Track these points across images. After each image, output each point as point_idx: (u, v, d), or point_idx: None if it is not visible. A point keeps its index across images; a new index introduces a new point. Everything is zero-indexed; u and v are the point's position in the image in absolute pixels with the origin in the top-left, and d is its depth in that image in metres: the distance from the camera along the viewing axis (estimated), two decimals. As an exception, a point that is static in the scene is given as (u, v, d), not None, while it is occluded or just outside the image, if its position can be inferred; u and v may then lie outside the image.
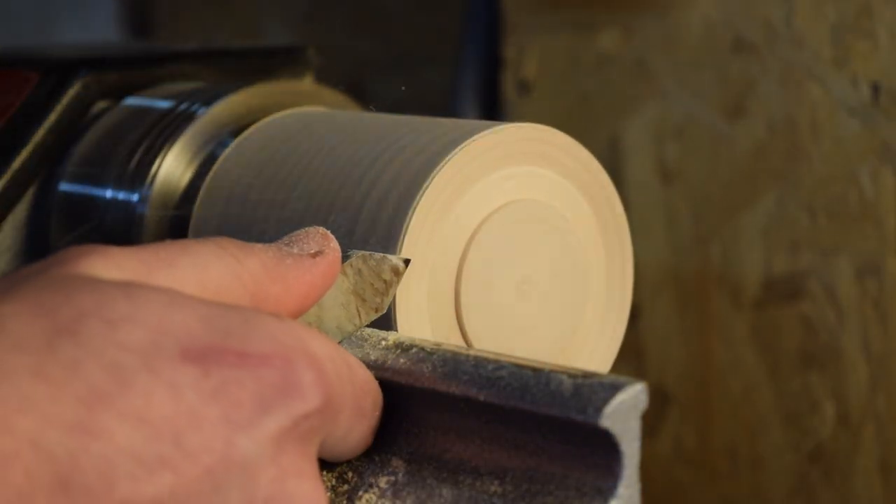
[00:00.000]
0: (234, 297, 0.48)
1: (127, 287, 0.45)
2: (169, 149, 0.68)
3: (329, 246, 0.52)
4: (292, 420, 0.45)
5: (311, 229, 0.52)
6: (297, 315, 0.51)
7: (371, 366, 0.52)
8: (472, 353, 0.51)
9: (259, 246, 0.50)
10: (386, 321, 0.55)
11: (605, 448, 0.46)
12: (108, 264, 0.46)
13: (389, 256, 0.54)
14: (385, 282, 0.54)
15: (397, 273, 0.54)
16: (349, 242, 0.57)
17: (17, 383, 0.42)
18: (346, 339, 0.54)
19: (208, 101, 0.69)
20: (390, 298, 0.54)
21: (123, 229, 0.67)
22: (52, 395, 0.42)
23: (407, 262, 0.55)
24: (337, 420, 0.48)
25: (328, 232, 0.52)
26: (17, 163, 0.70)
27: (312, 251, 0.51)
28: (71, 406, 0.42)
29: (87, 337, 0.43)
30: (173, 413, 0.43)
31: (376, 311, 0.54)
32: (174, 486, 0.42)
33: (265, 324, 0.46)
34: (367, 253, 0.54)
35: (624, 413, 0.46)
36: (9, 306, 0.43)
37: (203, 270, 0.48)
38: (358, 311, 0.54)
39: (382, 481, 0.51)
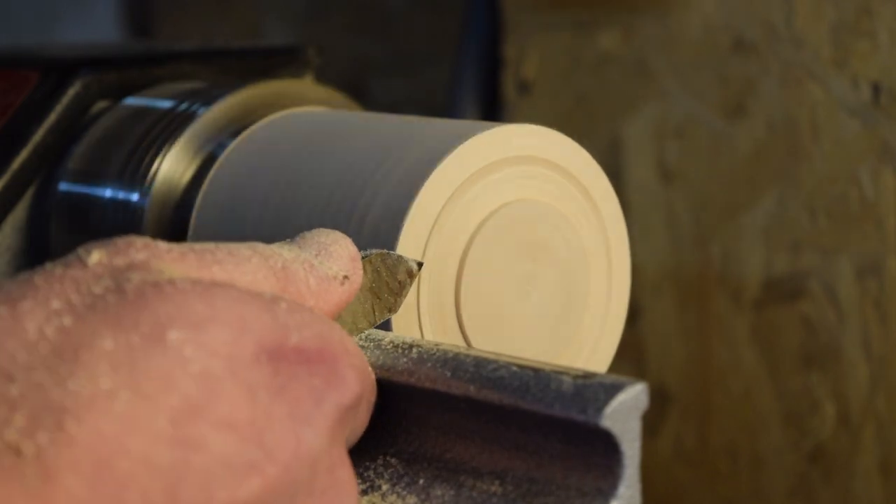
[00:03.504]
0: None
1: (198, 285, 0.45)
2: (169, 148, 0.68)
3: (356, 271, 0.52)
4: (341, 411, 0.46)
5: (342, 243, 0.52)
6: None
7: (371, 366, 0.52)
8: (472, 353, 0.51)
9: (298, 270, 0.50)
10: (386, 321, 0.55)
11: (606, 448, 0.46)
12: (171, 265, 0.47)
13: (405, 258, 0.55)
14: (399, 282, 0.54)
15: (411, 275, 0.55)
16: (350, 242, 0.57)
17: (121, 403, 0.42)
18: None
19: (208, 101, 0.69)
20: (403, 299, 0.55)
21: (123, 229, 0.67)
22: (152, 411, 0.42)
23: (420, 264, 0.55)
24: (360, 413, 0.49)
25: (357, 253, 0.53)
26: (16, 163, 0.70)
27: (342, 274, 0.51)
28: (169, 420, 0.42)
29: (173, 344, 0.43)
30: (252, 416, 0.44)
31: (389, 310, 0.54)
32: (261, 488, 0.43)
33: (313, 320, 0.47)
34: (386, 252, 0.54)
35: (624, 413, 0.46)
36: (88, 325, 0.43)
37: (251, 282, 0.48)
38: (373, 308, 0.54)
39: (383, 481, 0.51)
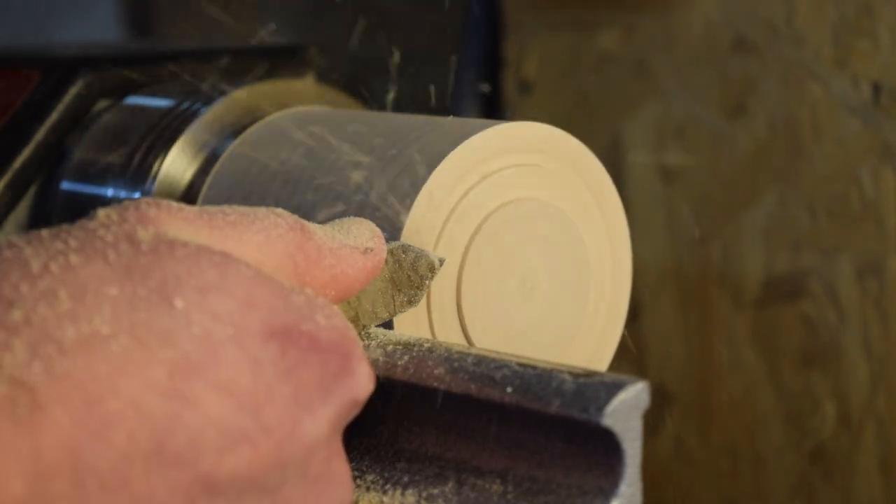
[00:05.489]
0: (284, 277, 0.49)
1: (214, 255, 0.45)
2: (170, 147, 0.68)
3: (379, 245, 0.52)
4: (346, 406, 0.46)
5: (364, 222, 0.53)
6: (336, 302, 0.52)
7: (373, 364, 0.52)
8: (473, 351, 0.51)
9: (317, 231, 0.50)
10: (388, 321, 0.55)
11: (607, 447, 0.46)
12: (182, 224, 0.47)
13: (427, 252, 0.55)
14: (420, 276, 0.55)
15: (432, 269, 0.55)
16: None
17: (118, 346, 0.42)
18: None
19: (209, 101, 0.69)
20: (424, 293, 0.55)
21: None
22: (148, 360, 0.42)
23: (442, 261, 0.55)
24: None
25: (379, 231, 0.53)
26: (18, 162, 0.70)
27: (364, 246, 0.51)
28: (165, 372, 0.42)
29: (178, 305, 0.43)
30: (254, 388, 0.44)
31: (409, 302, 0.55)
32: (251, 460, 0.43)
33: (330, 312, 0.47)
34: (407, 244, 0.54)
35: (625, 412, 0.46)
36: (95, 268, 0.43)
37: (264, 244, 0.48)
38: (393, 299, 0.54)
39: (384, 480, 0.51)
